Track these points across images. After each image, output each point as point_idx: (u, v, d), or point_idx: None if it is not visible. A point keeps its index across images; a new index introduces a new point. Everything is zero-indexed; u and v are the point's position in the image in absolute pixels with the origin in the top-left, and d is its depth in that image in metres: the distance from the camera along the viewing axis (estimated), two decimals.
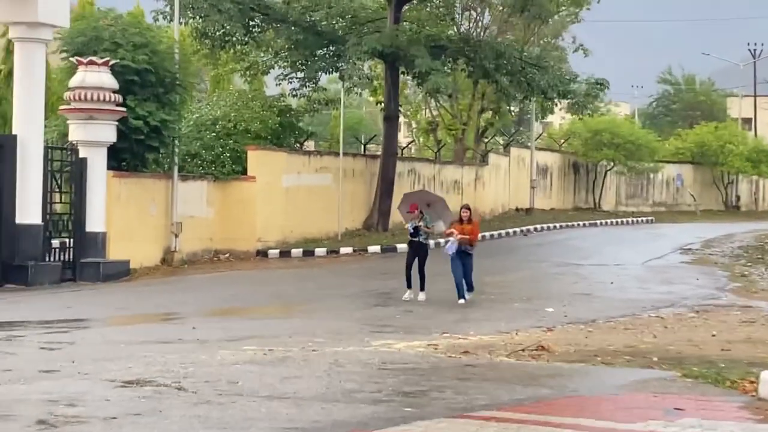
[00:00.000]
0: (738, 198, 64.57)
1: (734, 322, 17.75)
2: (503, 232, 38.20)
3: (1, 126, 32.48)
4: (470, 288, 20.24)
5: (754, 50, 75.94)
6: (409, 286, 20.46)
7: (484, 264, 28.34)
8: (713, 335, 15.91)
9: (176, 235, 28.55)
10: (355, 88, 32.23)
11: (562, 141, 54.98)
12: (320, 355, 13.25)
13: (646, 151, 53.36)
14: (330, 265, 28.83)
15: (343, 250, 31.19)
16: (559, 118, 75.83)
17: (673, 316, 18.66)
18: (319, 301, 20.58)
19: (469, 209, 20.68)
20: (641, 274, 25.96)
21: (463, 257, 20.02)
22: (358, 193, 35.32)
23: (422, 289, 20.44)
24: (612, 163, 53.89)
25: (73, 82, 26.14)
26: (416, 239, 20.56)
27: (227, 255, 30.07)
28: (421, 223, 20.52)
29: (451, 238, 20.01)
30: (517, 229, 39.20)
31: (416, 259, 20.44)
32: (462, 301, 19.84)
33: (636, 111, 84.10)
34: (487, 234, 37.13)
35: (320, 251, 30.82)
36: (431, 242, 22.29)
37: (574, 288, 22.98)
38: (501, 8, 42.50)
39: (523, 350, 13.74)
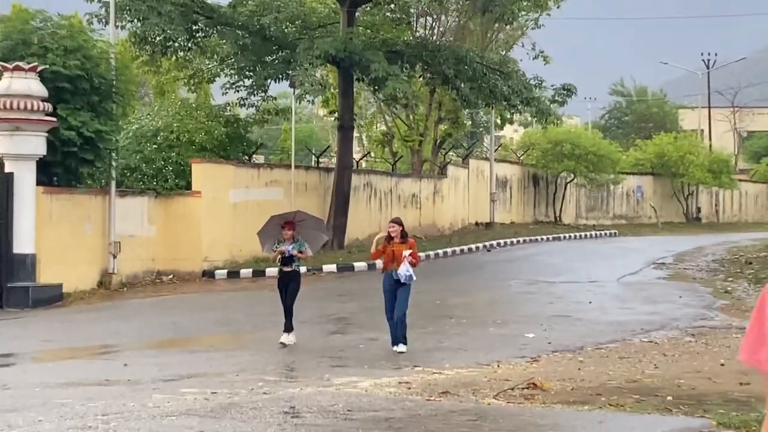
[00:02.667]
0: (699, 210, 63.22)
1: (737, 346, 15.80)
2: (465, 247, 36.19)
3: None
4: (402, 338, 15.47)
5: (708, 60, 74.72)
6: (287, 330, 16.32)
7: (449, 283, 26.40)
8: (722, 364, 13.98)
9: (114, 256, 26.22)
10: (307, 96, 30.02)
11: (521, 153, 53.16)
12: (272, 399, 11.12)
13: (608, 162, 51.71)
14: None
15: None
16: (512, 130, 74.27)
17: (668, 340, 16.72)
18: (270, 329, 18.33)
19: (399, 224, 15.76)
20: (620, 293, 24.03)
21: (395, 287, 15.54)
22: (311, 209, 32.83)
23: (289, 329, 16.29)
24: (572, 175, 52.17)
25: None
26: (289, 268, 16.37)
27: (171, 276, 27.77)
28: (293, 249, 16.26)
29: (402, 266, 15.39)
30: (480, 245, 37.22)
31: (286, 293, 16.38)
32: (398, 349, 15.36)
33: (589, 123, 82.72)
34: (448, 250, 35.15)
35: (271, 271, 28.47)
36: (303, 268, 17.93)
37: (551, 309, 20.97)
38: (458, 13, 40.60)
39: (512, 389, 11.68)
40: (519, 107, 33.04)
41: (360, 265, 29.59)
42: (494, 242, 38.42)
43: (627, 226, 54.61)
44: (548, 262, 31.71)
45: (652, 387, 11.98)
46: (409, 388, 12.02)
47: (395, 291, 15.48)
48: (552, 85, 32.84)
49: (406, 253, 15.48)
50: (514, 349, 15.64)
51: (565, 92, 32.56)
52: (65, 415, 10.30)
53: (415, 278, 15.61)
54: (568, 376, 12.83)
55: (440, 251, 34.55)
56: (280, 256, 16.30)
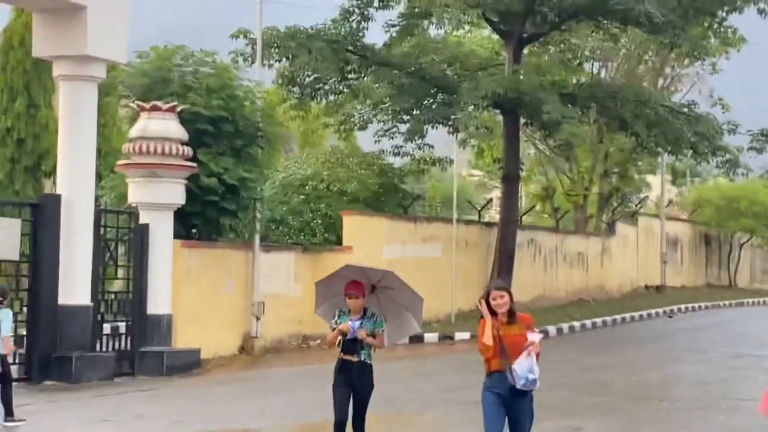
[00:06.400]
0: None
1: None
2: (643, 313, 32.48)
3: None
4: None
5: None
6: None
7: (636, 355, 22.85)
8: None
9: (258, 318, 23.47)
10: (471, 141, 26.90)
11: (693, 210, 49.04)
12: None
13: None
14: (444, 354, 23.42)
15: (458, 335, 25.74)
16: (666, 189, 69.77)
17: None
18: (446, 410, 15.13)
19: (507, 291, 9.26)
20: None
21: (513, 400, 9.10)
22: (472, 267, 29.94)
23: None
24: (749, 235, 47.80)
25: (134, 131, 21.47)
26: (353, 357, 10.22)
27: (318, 341, 24.81)
28: (361, 328, 10.17)
29: (522, 361, 8.98)
30: (658, 310, 33.44)
31: (352, 399, 10.29)
32: None
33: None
34: (625, 316, 31.50)
35: (431, 337, 25.42)
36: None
37: None
38: (628, 55, 37.17)
39: None
40: (707, 155, 29.29)
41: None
42: (674, 307, 34.56)
43: None
44: (744, 332, 27.80)
45: None
46: None
47: (508, 406, 9.06)
48: (748, 131, 29.09)
49: (532, 337, 9.08)
50: None
51: (765, 138, 28.76)
52: None
53: (537, 382, 9.09)
54: None
55: (616, 317, 30.94)
56: (340, 337, 10.21)
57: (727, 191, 46.27)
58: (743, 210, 45.95)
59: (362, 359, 10.17)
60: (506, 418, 9.08)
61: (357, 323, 10.04)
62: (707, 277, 48.22)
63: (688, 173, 44.63)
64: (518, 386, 8.90)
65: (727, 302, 38.67)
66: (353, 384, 10.14)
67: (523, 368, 8.93)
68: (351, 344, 10.09)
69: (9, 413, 13.92)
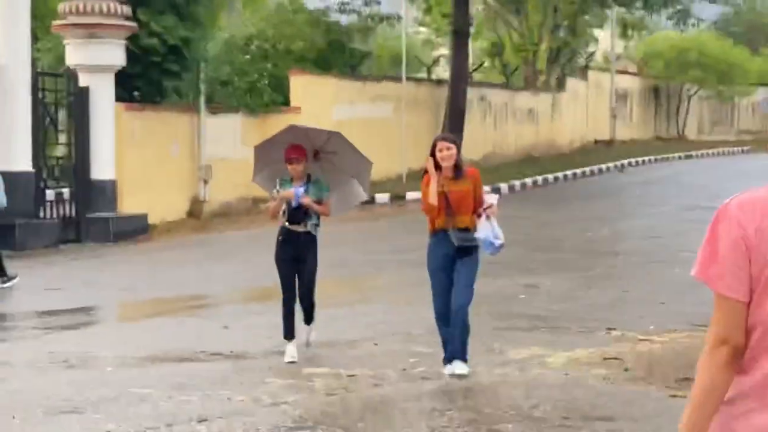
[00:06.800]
0: None
1: None
2: (593, 168, 32.34)
3: None
4: (462, 350, 8.47)
5: None
6: (290, 334, 9.26)
7: (590, 210, 22.72)
8: None
9: (205, 182, 22.97)
10: None
11: (643, 62, 48.65)
12: (437, 392, 7.71)
13: (738, 71, 46.95)
14: (397, 215, 23.14)
15: (410, 195, 25.38)
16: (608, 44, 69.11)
17: None
18: (399, 270, 14.92)
19: (454, 143, 8.57)
20: None
21: (452, 261, 8.45)
22: (422, 126, 29.45)
23: (309, 320, 9.59)
24: (698, 87, 47.62)
25: None
26: (299, 227, 9.19)
27: (268, 205, 24.40)
28: (306, 194, 9.11)
29: (482, 223, 8.35)
30: (609, 165, 33.33)
31: (298, 273, 9.33)
32: (455, 369, 8.39)
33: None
34: (576, 171, 31.38)
35: (382, 197, 25.09)
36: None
37: None
38: None
39: None
40: (658, 6, 28.74)
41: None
42: (624, 162, 34.49)
43: (754, 143, 49.96)
44: (696, 184, 27.74)
45: None
46: (626, 370, 8.50)
47: (452, 268, 8.40)
48: None
49: (489, 200, 8.47)
50: None
51: None
52: (143, 419, 7.02)
53: (504, 246, 8.43)
54: None
55: (567, 173, 30.78)
56: (284, 206, 9.16)
57: (676, 43, 45.80)
58: (693, 62, 45.63)
59: (308, 229, 9.17)
60: (450, 279, 8.39)
61: (301, 189, 9.03)
62: (656, 130, 48.13)
63: (631, 30, 43.80)
64: (488, 253, 8.38)
65: (676, 155, 38.58)
66: (299, 257, 9.18)
67: (487, 234, 8.25)
68: (296, 213, 9.07)
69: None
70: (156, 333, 10.81)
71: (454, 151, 8.38)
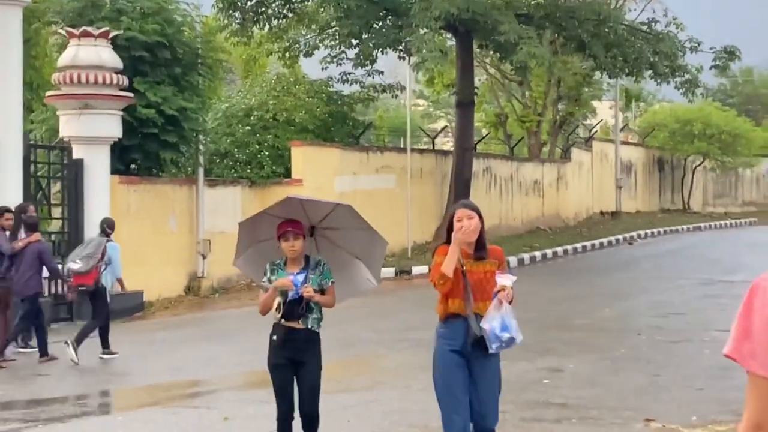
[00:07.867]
0: None
1: None
2: (603, 241, 31.59)
3: None
4: None
5: None
6: None
7: (602, 285, 21.90)
8: None
9: (204, 257, 22.18)
10: (426, 64, 25.36)
11: (646, 134, 48.16)
12: None
13: (743, 142, 46.43)
14: (402, 290, 22.28)
15: (416, 269, 24.61)
16: (610, 114, 68.77)
17: None
18: (411, 352, 14.01)
19: (477, 212, 6.77)
20: None
21: (477, 362, 6.73)
22: (428, 198, 28.77)
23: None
24: (702, 158, 47.08)
25: (63, 60, 19.99)
26: (298, 324, 7.37)
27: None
28: (307, 283, 7.33)
29: (492, 312, 6.64)
30: (617, 237, 32.58)
31: (298, 381, 7.50)
32: None
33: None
34: (586, 244, 30.58)
35: (387, 271, 24.22)
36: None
37: None
38: None
39: None
40: (666, 76, 28.14)
41: None
42: (633, 234, 33.74)
43: (759, 214, 49.29)
44: (708, 257, 27.00)
45: None
46: None
47: (468, 365, 6.74)
48: (711, 48, 27.99)
49: (503, 282, 6.66)
50: None
51: (727, 56, 27.70)
52: None
53: (521, 340, 6.76)
54: None
55: (577, 245, 30.00)
56: (278, 298, 7.34)
57: (680, 114, 45.41)
58: (697, 133, 45.15)
59: (309, 326, 7.33)
60: (466, 378, 6.65)
61: (300, 277, 7.27)
62: (661, 201, 47.51)
63: (632, 101, 43.39)
64: (492, 350, 6.59)
65: (684, 227, 37.94)
66: (298, 360, 7.35)
67: (493, 326, 6.51)
68: (294, 307, 7.25)
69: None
70: (150, 427, 9.88)
71: (477, 221, 6.64)
